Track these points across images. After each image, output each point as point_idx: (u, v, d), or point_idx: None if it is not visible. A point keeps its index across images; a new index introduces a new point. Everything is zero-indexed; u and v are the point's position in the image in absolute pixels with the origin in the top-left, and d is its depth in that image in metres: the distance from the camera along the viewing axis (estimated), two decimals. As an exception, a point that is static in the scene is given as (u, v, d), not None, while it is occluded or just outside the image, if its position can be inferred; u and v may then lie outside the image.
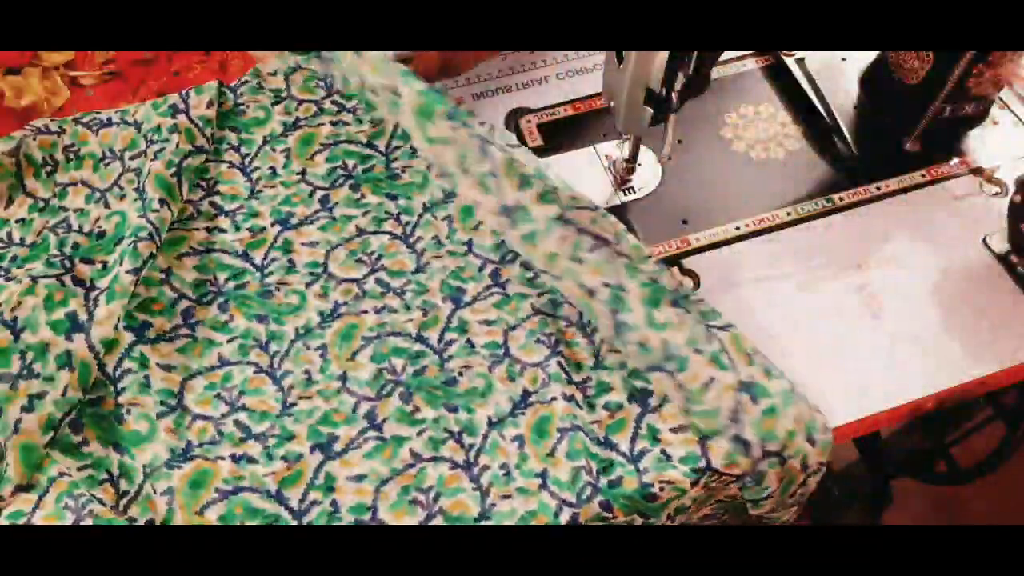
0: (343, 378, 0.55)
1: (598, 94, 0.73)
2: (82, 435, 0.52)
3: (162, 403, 0.53)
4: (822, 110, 0.71)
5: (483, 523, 0.49)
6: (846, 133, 0.69)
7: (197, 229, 0.61)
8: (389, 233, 0.62)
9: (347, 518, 0.49)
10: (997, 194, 0.65)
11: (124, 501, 0.50)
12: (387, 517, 0.49)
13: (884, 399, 0.55)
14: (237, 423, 0.53)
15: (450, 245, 0.61)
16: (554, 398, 0.53)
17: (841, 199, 0.65)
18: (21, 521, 0.48)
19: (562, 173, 0.66)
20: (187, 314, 0.57)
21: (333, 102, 0.68)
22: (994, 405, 0.78)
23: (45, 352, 0.52)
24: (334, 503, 0.50)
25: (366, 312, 0.58)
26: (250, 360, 0.55)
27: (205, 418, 0.53)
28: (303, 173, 0.65)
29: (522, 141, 0.69)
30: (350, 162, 0.65)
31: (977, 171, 0.67)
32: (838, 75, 0.73)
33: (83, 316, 0.53)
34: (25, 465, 0.50)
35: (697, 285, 0.61)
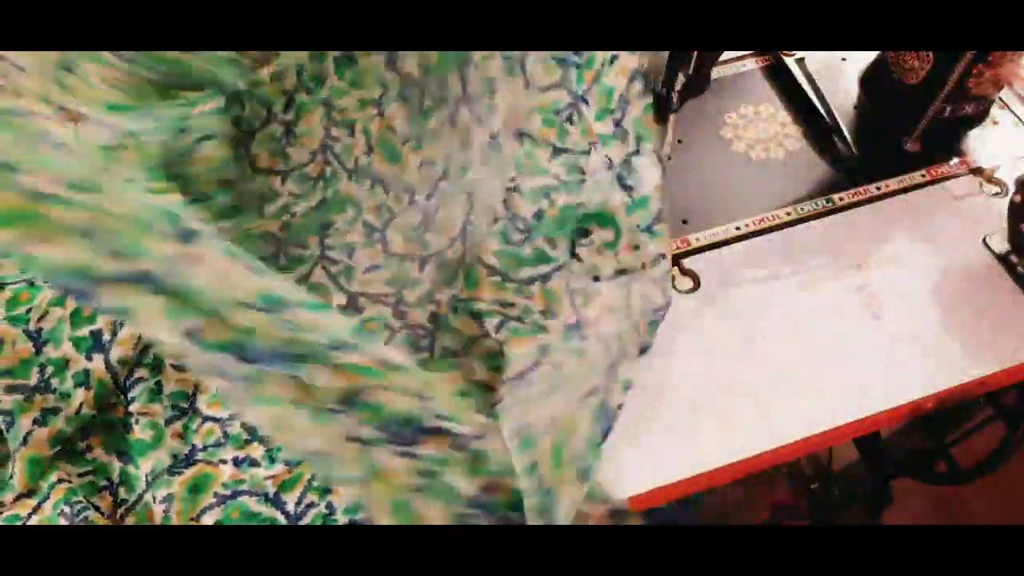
0: None
1: (598, 94, 0.73)
2: (87, 441, 0.52)
3: (173, 407, 0.53)
4: (822, 110, 0.71)
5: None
6: (846, 133, 0.69)
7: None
8: None
9: (342, 520, 0.49)
10: (997, 194, 0.65)
11: (121, 510, 0.50)
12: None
13: (884, 399, 0.55)
14: (243, 425, 0.53)
15: None
16: None
17: (841, 199, 0.65)
18: (17, 524, 0.48)
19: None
20: None
21: None
22: (994, 405, 0.78)
23: (64, 369, 0.52)
24: (330, 505, 0.50)
25: None
26: None
27: (214, 420, 0.53)
28: None
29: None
30: None
31: (977, 171, 0.67)
32: (838, 75, 0.73)
33: (107, 336, 0.53)
34: (30, 476, 0.50)
35: (697, 285, 0.61)
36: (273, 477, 0.51)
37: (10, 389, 0.51)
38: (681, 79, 0.54)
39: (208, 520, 0.49)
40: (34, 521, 0.49)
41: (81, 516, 0.48)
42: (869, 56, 0.73)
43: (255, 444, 0.52)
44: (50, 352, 0.52)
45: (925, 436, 0.90)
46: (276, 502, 0.50)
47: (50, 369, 0.52)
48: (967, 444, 0.86)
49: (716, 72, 0.75)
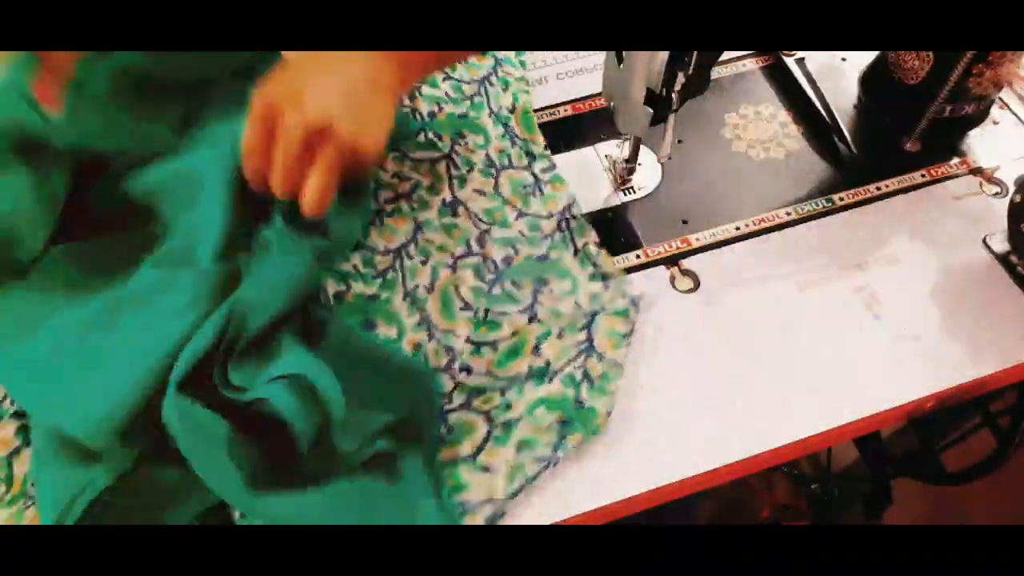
0: None
1: (598, 94, 0.73)
2: None
3: None
4: (822, 110, 0.71)
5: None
6: (846, 133, 0.69)
7: None
8: None
9: None
10: (997, 194, 0.65)
11: None
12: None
13: (884, 399, 0.55)
14: None
15: None
16: None
17: (841, 199, 0.65)
18: None
19: (563, 173, 0.66)
20: None
21: None
22: (983, 413, 0.78)
23: None
24: None
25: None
26: None
27: None
28: None
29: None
30: None
31: (977, 171, 0.67)
32: (838, 75, 0.73)
33: None
34: None
35: (697, 285, 0.61)
36: None
37: None
38: (681, 79, 0.54)
39: None
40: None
41: None
42: (869, 56, 0.73)
43: None
44: None
45: (916, 439, 0.90)
46: None
47: None
48: (958, 447, 0.87)
49: (716, 72, 0.75)
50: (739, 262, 0.62)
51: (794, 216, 0.64)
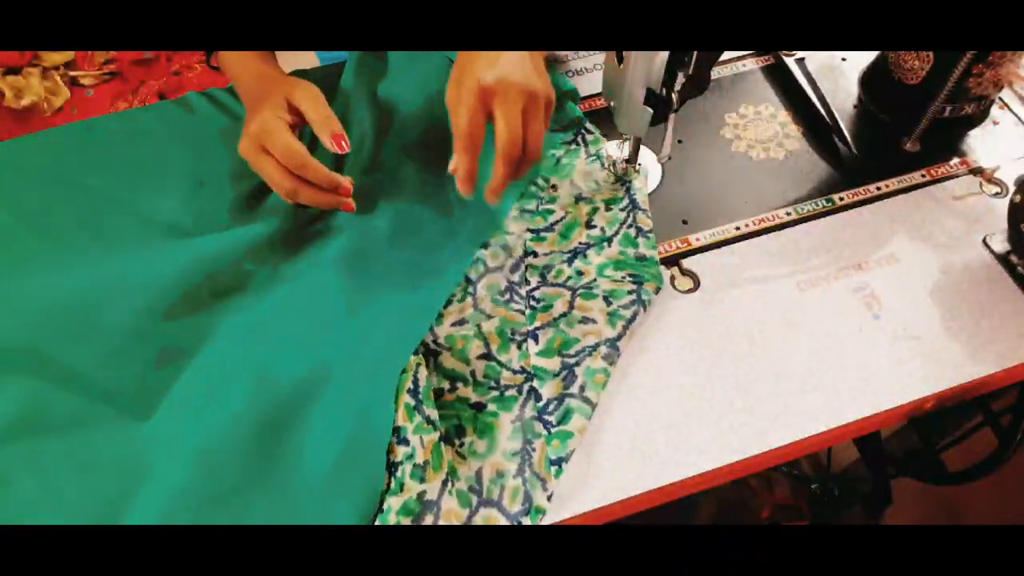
0: None
1: (598, 94, 0.73)
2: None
3: None
4: (822, 110, 0.71)
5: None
6: (846, 133, 0.69)
7: None
8: None
9: None
10: (997, 194, 0.65)
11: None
12: None
13: (884, 399, 0.55)
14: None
15: None
16: None
17: (841, 199, 0.65)
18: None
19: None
20: None
21: None
22: (985, 412, 0.78)
23: None
24: None
25: None
26: None
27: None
28: None
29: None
30: None
31: (977, 171, 0.67)
32: (838, 75, 0.73)
33: None
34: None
35: (697, 285, 0.61)
36: None
37: None
38: (681, 79, 0.54)
39: None
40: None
41: None
42: (869, 56, 0.73)
43: None
44: None
45: (916, 439, 0.90)
46: None
47: None
48: (959, 447, 0.87)
49: (716, 72, 0.75)
50: (739, 262, 0.62)
51: (794, 216, 0.64)
